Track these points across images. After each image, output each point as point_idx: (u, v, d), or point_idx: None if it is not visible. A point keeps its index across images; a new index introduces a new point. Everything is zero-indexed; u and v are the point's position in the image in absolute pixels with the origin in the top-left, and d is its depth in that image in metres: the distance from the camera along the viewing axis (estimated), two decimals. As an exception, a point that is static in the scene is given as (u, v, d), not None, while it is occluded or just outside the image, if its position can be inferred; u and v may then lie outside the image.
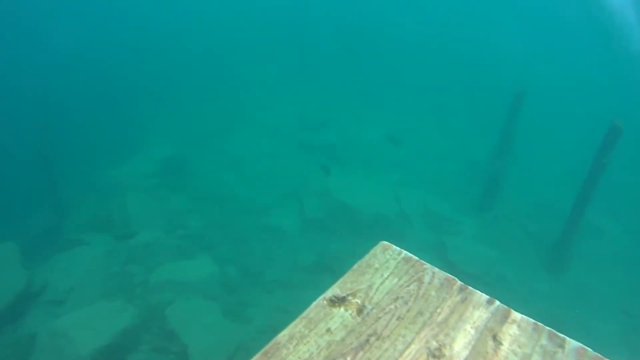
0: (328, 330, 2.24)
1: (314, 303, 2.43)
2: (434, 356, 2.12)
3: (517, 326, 2.37)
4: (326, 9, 29.41)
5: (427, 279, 2.64)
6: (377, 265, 2.73)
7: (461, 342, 2.22)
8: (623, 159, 16.68)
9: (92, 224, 14.42)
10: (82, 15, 22.71)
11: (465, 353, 2.16)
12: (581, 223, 14.31)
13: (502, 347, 2.21)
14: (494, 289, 12.29)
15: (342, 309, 2.38)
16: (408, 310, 2.38)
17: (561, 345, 2.25)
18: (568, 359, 2.18)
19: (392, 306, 2.41)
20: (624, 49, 24.77)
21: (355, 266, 2.76)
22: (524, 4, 27.75)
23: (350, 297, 2.46)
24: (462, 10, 27.98)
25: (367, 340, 2.18)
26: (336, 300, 2.43)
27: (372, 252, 2.90)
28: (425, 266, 2.75)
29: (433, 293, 2.53)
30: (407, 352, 2.12)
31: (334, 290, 2.52)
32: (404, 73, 26.84)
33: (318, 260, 14.00)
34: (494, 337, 2.27)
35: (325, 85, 25.78)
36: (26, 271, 11.71)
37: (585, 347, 2.26)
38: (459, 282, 2.69)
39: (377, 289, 2.52)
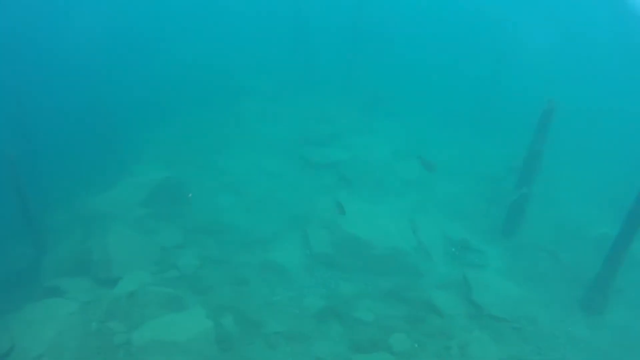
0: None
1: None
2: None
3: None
4: (332, 12, 27.53)
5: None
6: None
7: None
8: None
9: (70, 266, 12.79)
10: (67, 22, 20.94)
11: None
12: (627, 255, 12.48)
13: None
14: (525, 335, 10.68)
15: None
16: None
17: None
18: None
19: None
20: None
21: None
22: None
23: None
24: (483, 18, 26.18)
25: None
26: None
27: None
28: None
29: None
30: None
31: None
32: (414, 83, 25.12)
33: (326, 305, 12.34)
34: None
35: (330, 95, 24.07)
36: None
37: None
38: None
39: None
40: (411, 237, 14.15)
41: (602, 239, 15.80)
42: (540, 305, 13.27)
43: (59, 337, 10.07)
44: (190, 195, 15.19)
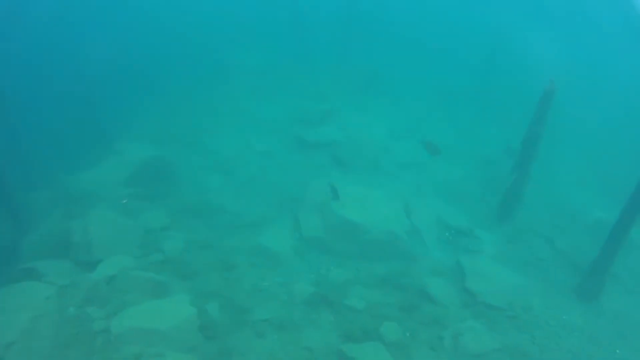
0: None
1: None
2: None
3: None
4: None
5: None
6: None
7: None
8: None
9: (50, 247, 12.15)
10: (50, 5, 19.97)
11: None
12: (625, 241, 12.07)
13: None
14: (519, 323, 10.27)
15: None
16: None
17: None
18: None
19: None
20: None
21: None
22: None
23: None
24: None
25: None
26: None
27: None
28: None
29: None
30: None
31: None
32: (411, 62, 24.39)
33: (317, 292, 11.86)
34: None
35: (324, 72, 23.35)
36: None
37: None
38: None
39: None
40: (405, 221, 13.66)
41: (598, 225, 15.57)
42: (535, 292, 12.91)
43: (33, 323, 9.52)
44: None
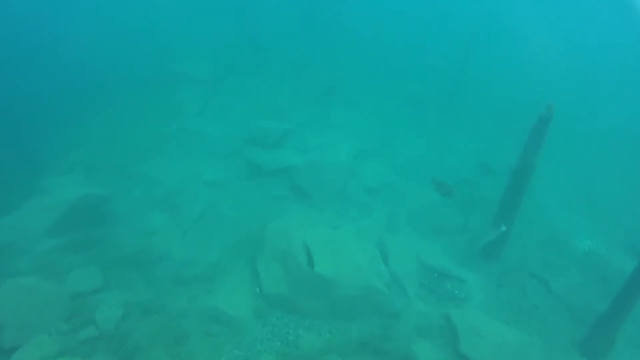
0: None
1: None
2: None
3: None
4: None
5: None
6: None
7: None
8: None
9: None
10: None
11: None
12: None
13: None
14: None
15: None
16: None
17: None
18: None
19: None
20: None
21: None
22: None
23: None
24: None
25: None
26: None
27: None
28: None
29: None
30: None
31: None
32: (374, 70, 22.67)
33: (284, 368, 9.98)
34: None
35: (281, 83, 21.26)
36: None
37: None
38: None
39: None
40: (382, 270, 11.85)
41: (588, 258, 14.42)
42: (535, 350, 11.24)
43: None
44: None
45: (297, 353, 10.29)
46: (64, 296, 10.71)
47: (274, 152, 16.76)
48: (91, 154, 16.44)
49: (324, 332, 10.88)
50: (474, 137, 19.46)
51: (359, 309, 11.17)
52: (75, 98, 18.85)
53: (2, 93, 16.56)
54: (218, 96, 20.27)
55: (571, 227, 15.87)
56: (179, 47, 22.71)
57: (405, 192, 16.26)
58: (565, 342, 11.52)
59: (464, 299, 12.21)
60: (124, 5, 24.19)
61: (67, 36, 21.34)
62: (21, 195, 13.58)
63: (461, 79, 20.28)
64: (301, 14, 21.52)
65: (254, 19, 22.22)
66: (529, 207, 15.49)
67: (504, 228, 11.99)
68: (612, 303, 10.44)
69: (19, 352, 9.18)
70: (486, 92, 20.94)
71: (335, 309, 11.12)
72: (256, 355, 10.17)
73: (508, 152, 14.85)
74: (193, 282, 11.82)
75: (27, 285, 10.35)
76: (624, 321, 10.56)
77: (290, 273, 11.49)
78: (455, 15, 23.64)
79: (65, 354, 9.38)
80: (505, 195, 12.47)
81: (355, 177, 16.40)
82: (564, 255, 14.32)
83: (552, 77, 21.03)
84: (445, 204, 15.68)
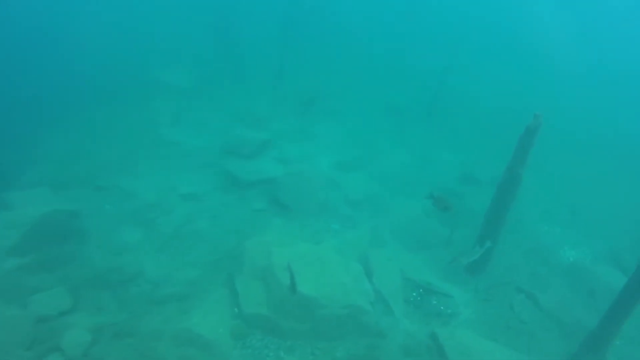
0: None
1: None
2: None
3: None
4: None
5: None
6: None
7: None
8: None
9: None
10: None
11: None
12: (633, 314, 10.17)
13: None
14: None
15: None
16: None
17: None
18: None
19: None
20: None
21: None
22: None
23: None
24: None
25: None
26: None
27: None
28: None
29: None
30: None
31: None
32: (354, 79, 22.30)
33: (265, 394, 9.38)
34: None
35: (259, 92, 20.76)
36: None
37: None
38: None
39: None
40: (367, 287, 11.31)
41: (574, 270, 14.14)
42: None
43: None
44: None
45: (278, 378, 9.71)
46: (27, 321, 9.95)
47: (253, 163, 16.22)
48: (59, 166, 15.67)
49: (307, 353, 10.30)
50: (458, 148, 19.18)
51: (343, 328, 10.62)
52: (43, 107, 18.10)
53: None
54: (195, 105, 19.65)
55: (555, 238, 15.65)
56: (154, 54, 22.06)
57: (389, 204, 15.86)
58: (555, 358, 11.15)
59: (450, 315, 11.76)
60: (97, 12, 23.41)
61: (35, 43, 20.54)
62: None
63: (444, 88, 20.05)
64: (280, 22, 21.01)
65: (233, 26, 21.69)
66: (512, 218, 15.27)
67: (489, 244, 11.65)
68: (602, 321, 10.12)
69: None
70: (471, 102, 20.72)
71: (318, 329, 10.55)
72: (235, 382, 9.57)
73: (493, 162, 14.62)
74: (168, 302, 11.15)
75: (-13, 308, 9.60)
76: (614, 338, 10.24)
77: (270, 292, 10.91)
78: (440, 21, 23.44)
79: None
80: (490, 209, 12.16)
81: (337, 189, 15.94)
82: (549, 267, 14.05)
83: (535, 86, 20.94)
84: (430, 215, 15.33)
